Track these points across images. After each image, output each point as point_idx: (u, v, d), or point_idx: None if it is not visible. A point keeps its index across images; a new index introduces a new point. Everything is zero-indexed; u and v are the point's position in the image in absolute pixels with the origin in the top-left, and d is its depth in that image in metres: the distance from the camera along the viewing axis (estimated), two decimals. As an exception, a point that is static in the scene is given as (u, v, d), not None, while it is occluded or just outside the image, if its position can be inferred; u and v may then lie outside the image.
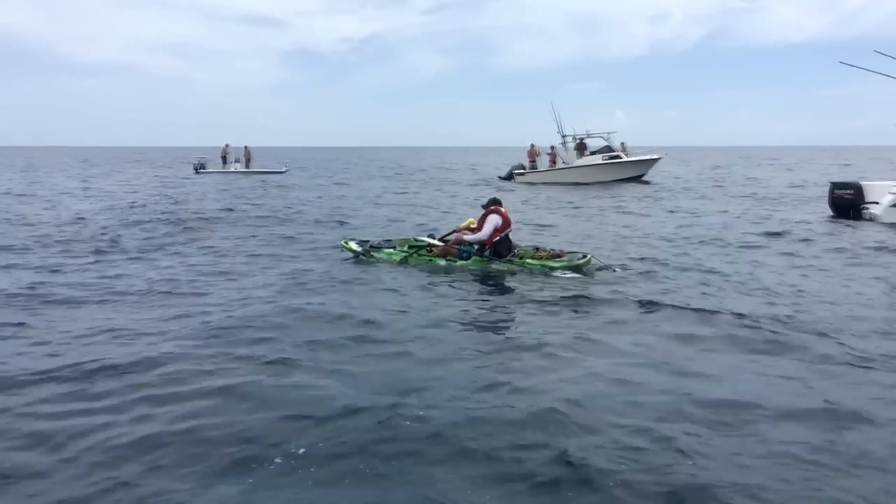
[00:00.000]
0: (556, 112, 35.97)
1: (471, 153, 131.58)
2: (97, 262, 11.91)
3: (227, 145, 45.27)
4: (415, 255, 10.71)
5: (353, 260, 11.34)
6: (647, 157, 36.83)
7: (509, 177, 37.72)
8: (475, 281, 9.83)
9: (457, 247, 10.52)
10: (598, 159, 34.93)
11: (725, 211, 21.54)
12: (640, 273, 10.55)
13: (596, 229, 16.91)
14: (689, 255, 12.69)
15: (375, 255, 11.01)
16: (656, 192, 29.73)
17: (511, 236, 10.90)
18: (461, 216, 15.27)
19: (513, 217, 11.19)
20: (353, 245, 11.46)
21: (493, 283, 9.70)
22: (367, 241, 11.83)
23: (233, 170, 43.77)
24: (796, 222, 17.97)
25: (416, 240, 11.27)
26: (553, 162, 36.53)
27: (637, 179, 34.98)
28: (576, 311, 8.29)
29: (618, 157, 34.92)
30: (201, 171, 44.05)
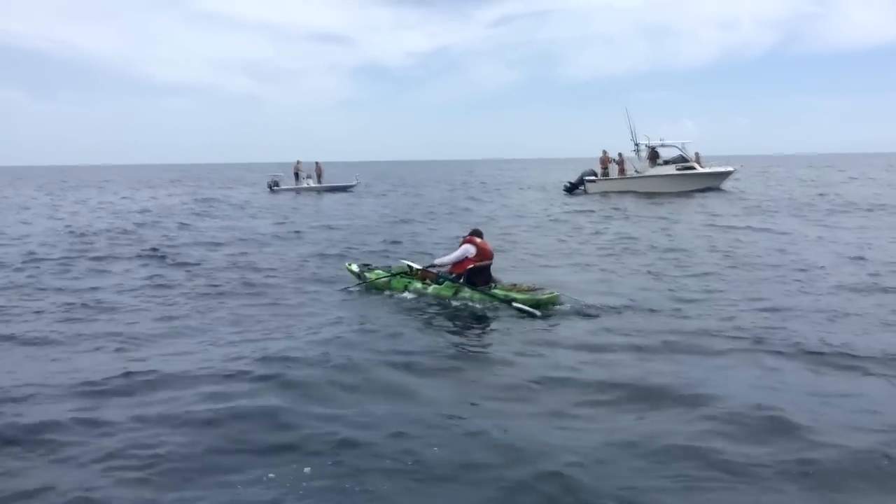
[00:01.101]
0: (631, 120, 35.34)
1: (536, 165, 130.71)
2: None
3: (298, 162, 45.97)
4: (398, 277, 11.10)
5: (352, 287, 11.59)
6: (723, 168, 35.89)
7: (579, 183, 37.19)
8: (431, 309, 9.93)
9: (433, 271, 10.74)
10: (671, 169, 34.14)
11: (861, 228, 19.03)
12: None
13: (707, 245, 16.32)
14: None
15: (367, 275, 11.50)
16: (754, 205, 27.75)
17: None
18: (503, 229, 15.02)
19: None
20: (354, 267, 11.98)
21: (448, 312, 9.77)
22: (368, 264, 12.27)
23: (305, 186, 44.43)
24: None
25: (409, 266, 11.40)
26: (622, 170, 35.91)
27: (711, 191, 33.96)
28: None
29: (692, 167, 34.08)
30: (275, 188, 44.67)
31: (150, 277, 12.94)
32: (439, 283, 10.51)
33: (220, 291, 11.64)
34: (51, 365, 7.57)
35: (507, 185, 51.11)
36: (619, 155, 36.39)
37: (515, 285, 10.30)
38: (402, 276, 11.09)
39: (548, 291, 9.99)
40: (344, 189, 45.59)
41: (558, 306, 9.74)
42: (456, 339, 8.60)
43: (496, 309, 9.69)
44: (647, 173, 34.56)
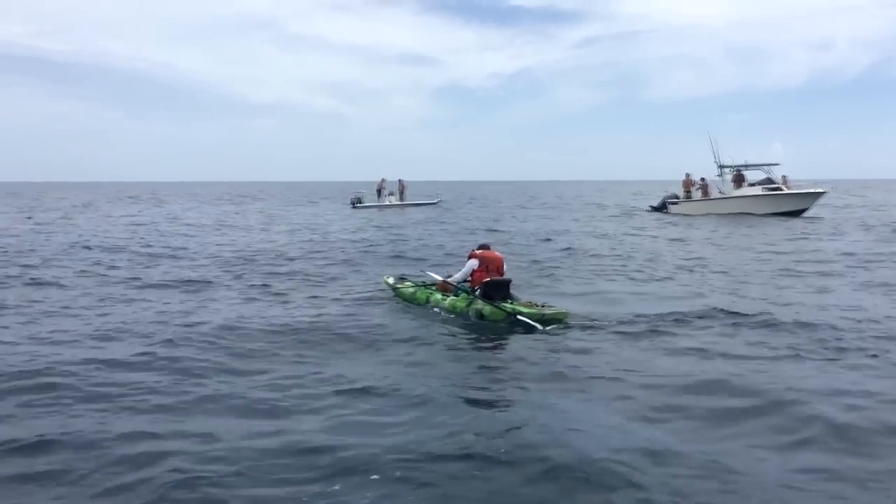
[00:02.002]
0: (714, 142, 34.79)
1: (618, 187, 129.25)
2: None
3: (382, 179, 46.87)
4: (422, 289, 11.59)
5: (388, 296, 12.17)
6: (812, 190, 33.56)
7: (662, 206, 36.85)
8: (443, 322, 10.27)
9: (450, 284, 11.10)
10: (757, 191, 33.28)
11: None
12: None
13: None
14: None
15: (398, 288, 12.02)
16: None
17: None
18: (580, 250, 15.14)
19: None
20: (390, 280, 12.56)
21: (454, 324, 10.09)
22: (403, 277, 12.80)
23: (387, 203, 45.20)
24: None
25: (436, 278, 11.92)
26: (705, 193, 35.40)
27: (798, 214, 32.70)
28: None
29: (778, 189, 33.04)
30: (358, 205, 45.17)
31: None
32: (456, 295, 10.80)
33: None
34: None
35: (588, 205, 50.87)
36: (703, 179, 35.85)
37: (531, 302, 10.36)
38: (425, 288, 11.57)
39: (555, 309, 10.07)
40: (426, 205, 46.35)
41: (564, 324, 9.79)
42: (457, 349, 8.93)
43: (506, 323, 9.86)
44: (731, 195, 33.94)
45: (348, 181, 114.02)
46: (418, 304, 11.29)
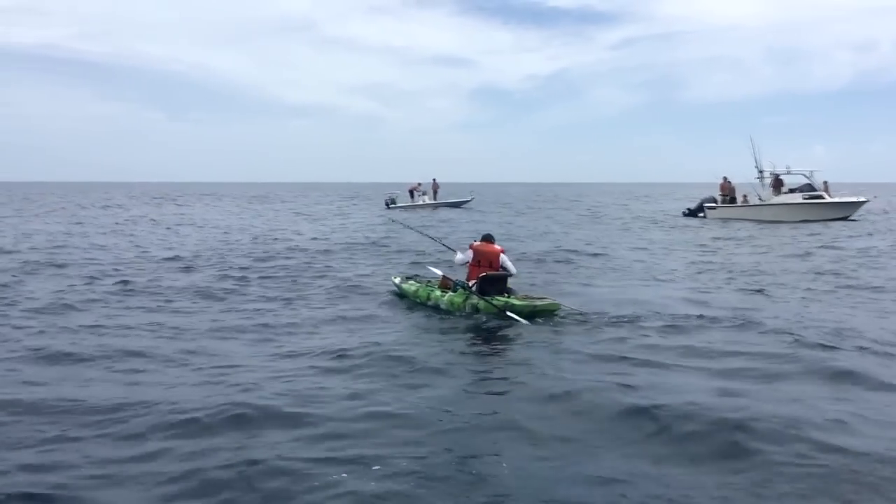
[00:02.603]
0: (755, 146, 33.97)
1: (654, 189, 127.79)
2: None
3: (419, 184, 47.59)
4: (424, 286, 11.73)
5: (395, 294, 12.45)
6: (854, 198, 32.90)
7: (699, 209, 36.27)
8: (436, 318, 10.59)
9: (451, 280, 11.30)
10: (797, 198, 32.52)
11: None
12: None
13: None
14: None
15: (403, 287, 12.19)
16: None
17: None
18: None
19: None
20: (397, 279, 12.71)
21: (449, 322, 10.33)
22: (410, 277, 12.85)
23: (420, 203, 45.72)
24: None
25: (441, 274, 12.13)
26: (732, 199, 34.89)
27: (840, 221, 31.75)
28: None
29: (819, 196, 32.22)
30: (392, 205, 46.17)
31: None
32: (455, 291, 10.95)
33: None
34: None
35: (621, 207, 50.40)
36: (724, 178, 35.68)
37: (526, 296, 10.63)
38: (427, 285, 11.75)
39: (546, 301, 10.31)
40: (458, 205, 46.56)
41: (557, 315, 10.12)
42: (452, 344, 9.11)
43: (501, 319, 10.01)
44: (770, 201, 33.24)
45: (385, 182, 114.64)
46: (420, 301, 11.49)
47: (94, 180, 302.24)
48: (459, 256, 11.37)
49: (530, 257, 18.01)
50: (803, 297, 12.44)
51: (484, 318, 10.16)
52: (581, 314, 10.23)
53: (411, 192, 46.97)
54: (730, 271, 15.94)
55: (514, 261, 11.69)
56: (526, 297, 10.47)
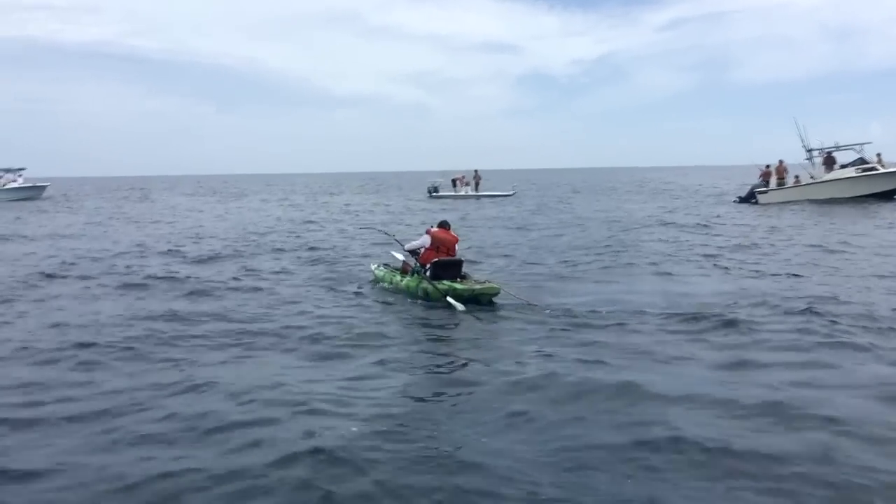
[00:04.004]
0: (800, 127, 32.69)
1: (705, 172, 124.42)
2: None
3: (463, 176, 47.46)
4: (389, 271, 12.36)
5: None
6: None
7: (751, 196, 35.22)
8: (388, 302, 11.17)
9: (409, 265, 11.84)
10: (851, 172, 31.35)
11: None
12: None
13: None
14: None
15: (376, 272, 12.81)
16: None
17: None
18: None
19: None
20: (373, 266, 13.30)
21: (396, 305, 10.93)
22: (387, 264, 13.15)
23: (462, 193, 45.64)
24: None
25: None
26: (795, 178, 33.69)
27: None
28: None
29: (873, 168, 30.98)
30: (434, 194, 46.47)
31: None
32: (411, 276, 11.46)
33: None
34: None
35: (670, 191, 49.43)
36: (767, 166, 34.60)
37: (476, 280, 10.99)
38: (393, 271, 12.33)
39: (487, 285, 10.73)
40: (500, 198, 46.21)
41: (497, 299, 10.56)
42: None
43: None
44: (823, 179, 32.12)
45: (431, 170, 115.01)
46: (386, 285, 12.16)
47: (147, 175, 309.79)
48: (415, 242, 11.76)
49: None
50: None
51: (432, 303, 10.65)
52: (522, 300, 10.55)
53: (454, 182, 46.92)
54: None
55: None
56: (468, 282, 10.86)
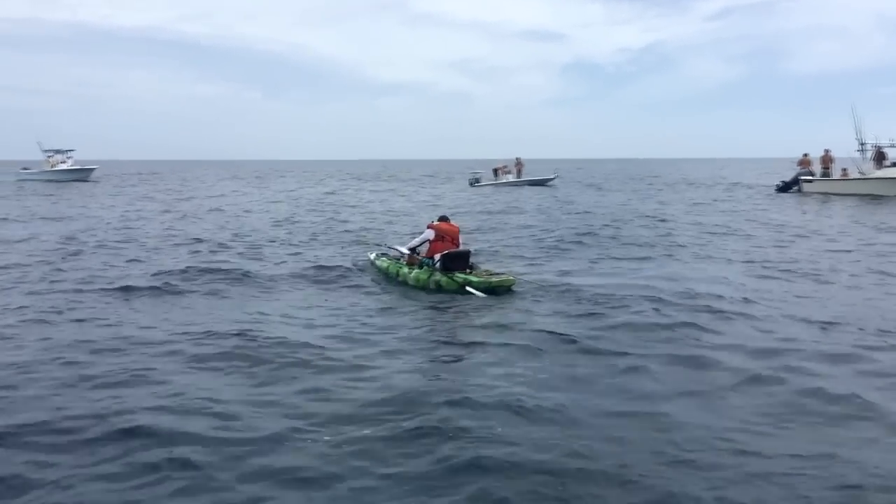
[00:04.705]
0: (856, 117, 31.83)
1: (752, 164, 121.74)
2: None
3: (504, 165, 47.37)
4: (395, 262, 12.39)
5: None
6: None
7: (794, 182, 34.46)
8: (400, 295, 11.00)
9: (417, 257, 11.91)
10: (898, 172, 30.51)
11: None
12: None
13: None
14: None
15: (376, 262, 12.97)
16: None
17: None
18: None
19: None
20: (372, 256, 13.49)
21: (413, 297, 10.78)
22: (385, 253, 13.40)
23: (504, 181, 45.54)
24: None
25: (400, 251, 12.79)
26: (842, 171, 32.88)
27: None
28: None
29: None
30: (475, 184, 46.42)
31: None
32: (420, 268, 11.58)
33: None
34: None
35: (713, 183, 48.57)
36: (805, 155, 33.90)
37: (487, 271, 11.32)
38: (397, 262, 12.37)
39: (503, 276, 11.00)
40: (542, 183, 46.07)
41: (514, 289, 10.72)
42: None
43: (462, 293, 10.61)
44: (871, 175, 31.27)
45: (474, 159, 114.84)
46: (391, 276, 12.13)
47: (195, 159, 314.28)
48: (416, 240, 12.06)
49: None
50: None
51: (447, 294, 10.71)
52: (539, 287, 10.94)
53: (495, 172, 46.82)
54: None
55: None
56: (485, 273, 11.13)
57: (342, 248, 16.34)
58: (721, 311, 9.34)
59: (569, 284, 11.17)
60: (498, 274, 11.19)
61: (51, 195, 37.26)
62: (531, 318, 9.15)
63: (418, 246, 11.89)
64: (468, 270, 11.18)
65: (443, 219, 12.03)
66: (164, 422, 5.59)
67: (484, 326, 8.83)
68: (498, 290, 10.63)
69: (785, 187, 35.47)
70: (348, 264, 13.61)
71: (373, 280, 12.19)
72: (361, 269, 13.12)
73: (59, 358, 7.35)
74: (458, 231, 11.91)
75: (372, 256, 13.42)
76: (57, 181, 51.49)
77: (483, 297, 10.31)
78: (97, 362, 7.26)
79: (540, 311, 9.51)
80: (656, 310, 9.34)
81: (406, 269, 11.83)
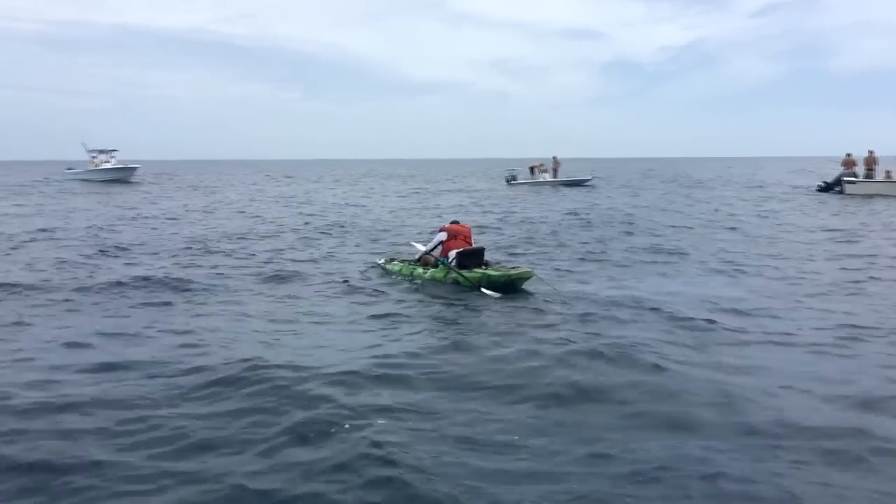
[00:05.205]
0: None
1: (796, 163, 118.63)
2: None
3: (541, 164, 47.02)
4: (406, 265, 12.61)
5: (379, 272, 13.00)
6: None
7: (836, 183, 33.55)
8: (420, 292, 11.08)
9: (431, 257, 12.19)
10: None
11: None
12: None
13: None
14: None
15: (387, 266, 13.04)
16: None
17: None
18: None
19: None
20: (380, 261, 13.59)
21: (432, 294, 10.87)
22: (392, 259, 13.50)
23: (540, 180, 45.22)
24: None
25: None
26: (886, 174, 31.91)
27: None
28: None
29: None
30: (512, 182, 46.54)
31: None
32: (436, 267, 11.90)
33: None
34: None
35: (753, 183, 47.57)
36: (848, 155, 32.57)
37: (501, 266, 11.56)
38: (409, 264, 12.61)
39: (521, 269, 11.28)
40: (579, 183, 45.55)
41: (530, 284, 10.90)
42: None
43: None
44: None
45: (512, 158, 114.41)
46: (405, 278, 12.29)
47: (236, 159, 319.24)
48: (433, 241, 12.35)
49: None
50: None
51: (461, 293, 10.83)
52: (549, 285, 10.97)
53: (532, 170, 46.54)
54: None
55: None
56: (502, 268, 11.36)
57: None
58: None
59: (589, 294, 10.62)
60: (515, 267, 11.45)
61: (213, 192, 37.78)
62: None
63: (433, 248, 12.21)
64: (483, 267, 11.42)
65: (454, 222, 12.45)
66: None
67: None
68: (517, 284, 10.87)
69: (826, 188, 34.61)
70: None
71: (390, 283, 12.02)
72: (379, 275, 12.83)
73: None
74: (470, 229, 12.27)
75: (381, 262, 13.52)
76: (101, 181, 52.53)
77: (496, 297, 10.45)
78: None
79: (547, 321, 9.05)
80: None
81: (420, 270, 12.17)
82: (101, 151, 56.19)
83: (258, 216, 25.00)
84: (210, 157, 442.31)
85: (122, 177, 54.49)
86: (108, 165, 55.15)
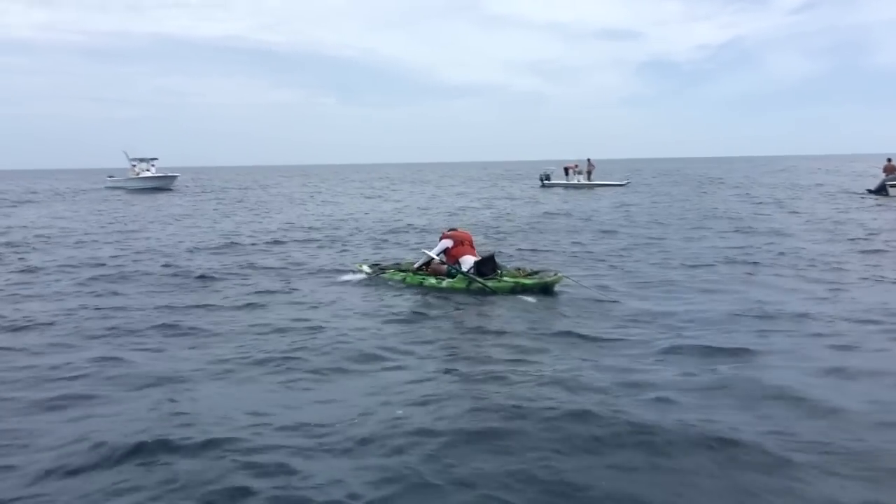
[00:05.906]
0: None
1: (837, 161, 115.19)
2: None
3: (576, 164, 46.70)
4: (412, 274, 12.14)
5: (365, 281, 12.46)
6: None
7: (881, 189, 32.62)
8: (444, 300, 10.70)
9: (445, 265, 11.82)
10: None
11: None
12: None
13: None
14: None
15: (383, 275, 12.50)
16: None
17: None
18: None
19: None
20: (366, 268, 13.02)
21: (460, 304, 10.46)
22: (377, 264, 13.35)
23: (575, 182, 44.86)
24: None
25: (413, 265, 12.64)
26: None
27: None
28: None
29: None
30: (546, 182, 46.58)
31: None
32: (452, 277, 11.57)
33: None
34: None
35: (798, 185, 46.46)
36: (889, 160, 31.71)
37: (520, 269, 11.58)
38: (416, 273, 12.16)
39: (552, 274, 11.09)
40: (614, 187, 45.02)
41: (564, 287, 10.84)
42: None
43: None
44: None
45: (548, 160, 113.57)
46: (408, 282, 12.01)
47: (274, 164, 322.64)
48: (437, 248, 12.07)
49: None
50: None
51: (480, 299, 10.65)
52: (585, 286, 10.90)
53: (566, 170, 46.31)
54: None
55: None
56: (521, 272, 11.41)
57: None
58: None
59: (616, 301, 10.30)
60: (545, 271, 11.42)
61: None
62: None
63: (440, 252, 12.01)
64: (499, 272, 11.46)
65: (452, 230, 12.46)
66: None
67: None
68: (550, 288, 10.85)
69: (874, 192, 33.72)
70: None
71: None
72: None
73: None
74: (470, 235, 12.27)
75: (366, 268, 12.97)
76: (142, 189, 53.55)
77: (532, 301, 10.37)
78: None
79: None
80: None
81: (434, 280, 11.79)
82: (142, 160, 57.31)
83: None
84: (245, 163, 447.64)
85: (162, 185, 55.39)
86: (149, 174, 56.20)
